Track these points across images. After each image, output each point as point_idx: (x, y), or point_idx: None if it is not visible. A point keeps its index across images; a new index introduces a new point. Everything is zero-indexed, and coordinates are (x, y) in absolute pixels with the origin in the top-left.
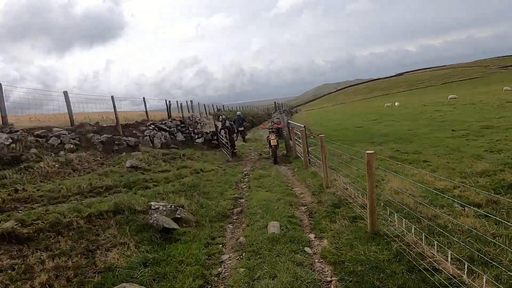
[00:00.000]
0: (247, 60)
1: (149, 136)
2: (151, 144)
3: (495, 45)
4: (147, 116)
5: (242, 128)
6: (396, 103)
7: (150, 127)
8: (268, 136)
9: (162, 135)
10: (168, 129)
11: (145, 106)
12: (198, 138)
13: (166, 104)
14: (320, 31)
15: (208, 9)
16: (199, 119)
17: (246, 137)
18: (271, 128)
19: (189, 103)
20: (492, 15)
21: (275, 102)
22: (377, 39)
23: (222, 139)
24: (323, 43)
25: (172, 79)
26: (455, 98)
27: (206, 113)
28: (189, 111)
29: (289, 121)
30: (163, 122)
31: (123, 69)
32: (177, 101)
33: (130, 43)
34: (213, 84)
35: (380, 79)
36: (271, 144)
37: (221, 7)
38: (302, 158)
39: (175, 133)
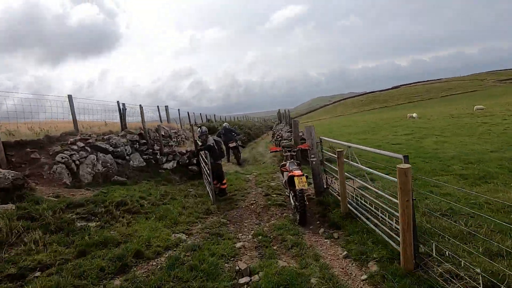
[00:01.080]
0: (242, 72)
1: (68, 163)
2: (67, 180)
3: (481, 60)
4: (76, 126)
5: (235, 144)
6: (414, 114)
7: (74, 147)
8: (285, 165)
9: (98, 159)
10: (112, 148)
11: (72, 110)
12: (168, 161)
13: (119, 108)
14: (312, 44)
15: (203, 23)
16: (175, 132)
17: (241, 157)
18: (289, 149)
19: (169, 111)
20: (479, 33)
21: (279, 110)
22: (369, 53)
23: (205, 167)
24: (316, 56)
25: (167, 90)
26: (482, 109)
27: (190, 124)
28: (161, 121)
29: (322, 138)
30: (106, 136)
31: (118, 80)
32: (140, 105)
33: (125, 54)
34: (208, 95)
35: (376, 91)
36: (297, 186)
37: (215, 21)
38: (377, 229)
39: (128, 155)
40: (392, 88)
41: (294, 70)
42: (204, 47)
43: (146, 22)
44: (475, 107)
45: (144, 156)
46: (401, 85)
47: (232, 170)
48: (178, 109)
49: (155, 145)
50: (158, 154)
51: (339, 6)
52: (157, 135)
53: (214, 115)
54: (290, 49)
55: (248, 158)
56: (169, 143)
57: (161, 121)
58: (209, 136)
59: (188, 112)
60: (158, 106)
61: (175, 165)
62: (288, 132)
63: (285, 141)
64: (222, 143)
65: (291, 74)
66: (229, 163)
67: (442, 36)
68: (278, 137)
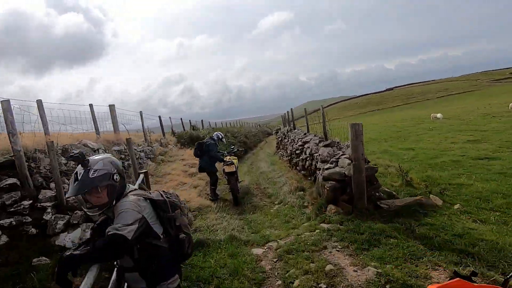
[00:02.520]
0: (232, 78)
1: None
2: None
3: (466, 62)
4: None
5: (234, 169)
6: (439, 115)
7: None
8: None
9: None
10: None
11: None
12: (70, 227)
13: None
14: (301, 49)
15: (191, 30)
16: (120, 151)
17: (239, 185)
18: None
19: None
20: (463, 36)
21: (292, 110)
22: (357, 57)
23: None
24: (306, 61)
25: (158, 97)
26: None
27: (163, 134)
28: (96, 128)
29: None
30: None
31: (107, 88)
32: (7, 100)
33: (113, 62)
34: (200, 101)
35: (370, 94)
36: None
37: (203, 29)
38: None
39: None
40: (385, 90)
41: (284, 75)
42: (193, 54)
43: (134, 30)
44: (511, 105)
45: (8, 220)
46: (394, 87)
47: (224, 226)
48: (140, 112)
49: (49, 186)
50: (49, 210)
51: (324, 11)
52: (53, 163)
53: (202, 120)
54: (279, 55)
55: (250, 186)
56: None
57: (97, 133)
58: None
59: (160, 117)
60: (90, 105)
61: (88, 235)
62: (325, 146)
63: (328, 167)
64: (186, 207)
65: (281, 79)
66: (216, 201)
67: (427, 40)
68: (297, 151)
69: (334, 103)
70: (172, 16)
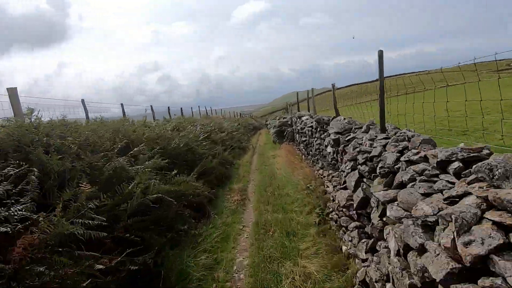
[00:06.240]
0: (212, 67)
1: None
2: None
3: (440, 58)
4: None
5: None
6: None
7: None
8: None
9: None
10: None
11: None
12: None
13: None
14: (281, 41)
15: (167, 17)
16: None
17: None
18: None
19: None
20: (437, 33)
21: (308, 91)
22: (339, 50)
23: None
24: (286, 52)
25: (134, 85)
26: None
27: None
28: None
29: None
30: None
31: (77, 74)
32: None
33: (82, 47)
34: (179, 90)
35: (363, 83)
36: None
37: (180, 16)
38: None
39: None
40: (377, 80)
41: (265, 66)
42: (170, 42)
43: (103, 14)
44: None
45: None
46: (387, 77)
47: None
48: None
49: None
50: None
51: (303, 3)
52: None
53: (151, 106)
54: (259, 45)
55: None
56: None
57: None
58: None
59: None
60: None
61: None
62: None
63: None
64: None
65: (262, 69)
66: None
67: (405, 35)
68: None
69: (323, 92)
70: (145, 1)
